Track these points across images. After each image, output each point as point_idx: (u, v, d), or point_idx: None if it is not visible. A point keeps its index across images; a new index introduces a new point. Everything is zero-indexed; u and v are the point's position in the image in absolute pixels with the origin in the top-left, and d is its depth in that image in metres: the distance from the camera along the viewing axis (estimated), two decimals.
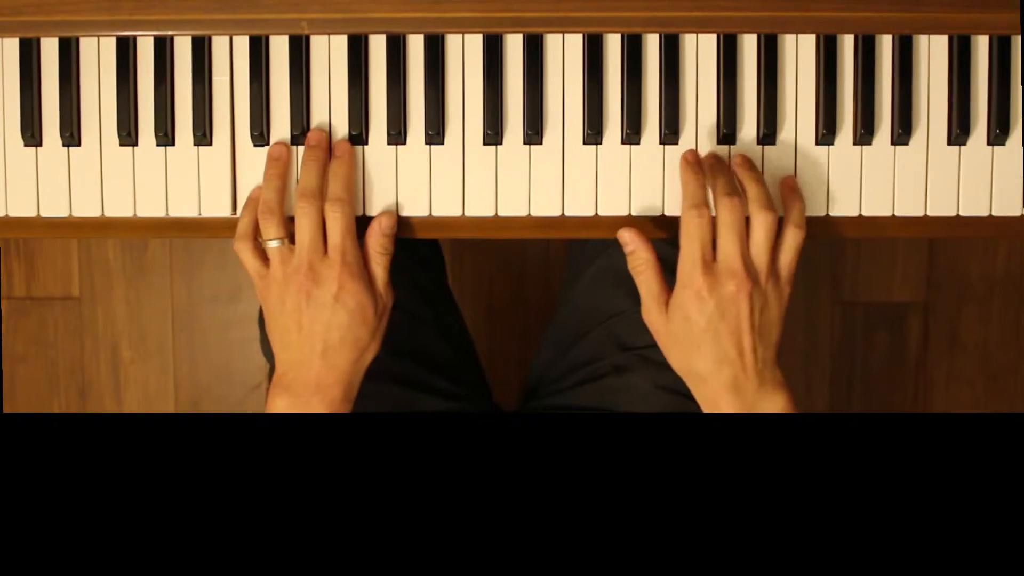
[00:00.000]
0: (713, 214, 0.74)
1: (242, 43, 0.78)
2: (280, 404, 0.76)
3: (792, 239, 0.75)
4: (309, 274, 0.74)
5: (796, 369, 1.53)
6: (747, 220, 0.74)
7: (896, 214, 0.80)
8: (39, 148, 0.79)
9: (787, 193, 0.78)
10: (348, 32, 0.78)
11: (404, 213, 0.79)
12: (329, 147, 0.78)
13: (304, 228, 0.75)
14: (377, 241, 0.77)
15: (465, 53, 0.79)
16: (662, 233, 0.79)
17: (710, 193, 0.76)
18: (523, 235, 0.80)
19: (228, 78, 0.79)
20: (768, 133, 0.79)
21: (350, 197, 0.76)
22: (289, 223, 0.76)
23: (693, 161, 0.77)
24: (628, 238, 0.77)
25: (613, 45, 0.79)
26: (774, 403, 0.74)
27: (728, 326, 0.73)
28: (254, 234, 0.77)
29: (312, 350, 0.75)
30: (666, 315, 0.75)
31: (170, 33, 0.78)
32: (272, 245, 0.75)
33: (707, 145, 0.79)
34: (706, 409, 0.77)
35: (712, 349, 0.74)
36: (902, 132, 0.79)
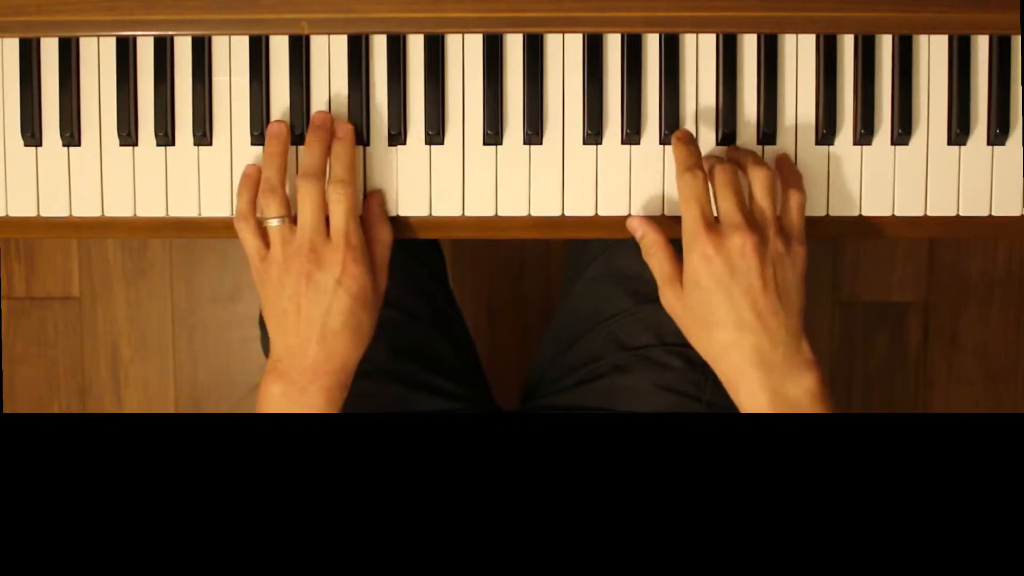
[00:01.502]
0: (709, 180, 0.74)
1: (242, 43, 0.78)
2: (275, 391, 0.75)
3: (794, 199, 0.75)
4: (311, 256, 0.73)
5: None
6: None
7: (896, 214, 0.80)
8: (39, 148, 0.79)
9: (782, 164, 0.78)
10: (348, 32, 0.78)
11: (404, 213, 0.79)
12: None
13: (307, 209, 0.74)
14: (377, 219, 0.77)
15: (465, 53, 0.79)
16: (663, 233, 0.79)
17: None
18: (523, 235, 0.80)
19: (228, 78, 0.79)
20: (768, 133, 0.79)
21: (353, 178, 0.75)
22: (290, 202, 0.75)
23: (685, 137, 0.77)
24: (636, 224, 0.77)
25: (613, 45, 0.79)
26: (804, 381, 0.71)
27: (740, 284, 0.71)
28: (254, 213, 0.76)
29: (311, 335, 0.74)
30: (681, 291, 0.74)
31: (170, 33, 0.78)
32: (273, 224, 0.74)
33: (707, 145, 0.79)
34: (730, 390, 0.73)
35: (728, 313, 0.71)
36: (902, 132, 0.79)
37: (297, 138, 0.78)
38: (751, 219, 0.72)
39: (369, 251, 0.76)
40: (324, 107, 0.79)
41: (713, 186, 0.74)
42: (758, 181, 0.73)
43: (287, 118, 0.78)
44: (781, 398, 0.71)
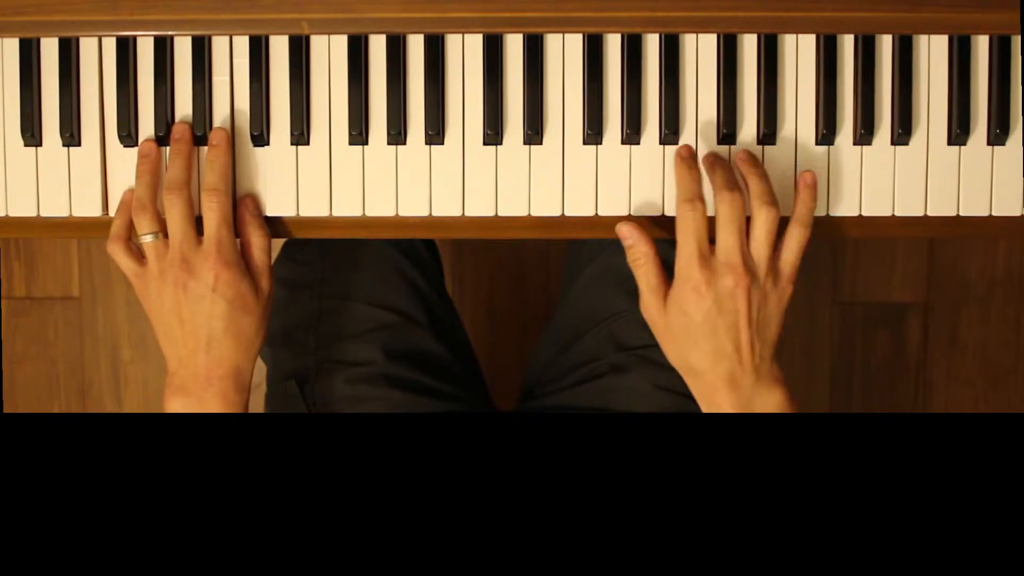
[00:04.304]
0: (709, 210, 0.74)
1: (242, 43, 0.78)
2: (176, 406, 0.76)
3: (797, 238, 0.75)
4: (183, 266, 0.74)
5: (796, 369, 1.53)
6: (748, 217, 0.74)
7: (896, 214, 0.80)
8: (39, 148, 0.79)
9: (801, 189, 0.76)
10: (348, 32, 0.78)
11: (404, 213, 0.79)
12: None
13: (174, 220, 0.75)
14: (250, 224, 0.77)
15: (465, 53, 0.79)
16: (662, 232, 0.79)
17: (708, 188, 0.76)
18: (523, 235, 0.80)
19: (228, 78, 0.79)
20: (768, 133, 0.79)
21: (226, 187, 0.76)
22: (163, 219, 0.76)
23: (687, 156, 0.77)
24: (627, 232, 0.76)
25: (613, 45, 0.78)
26: (771, 398, 0.74)
27: (725, 321, 0.73)
28: (127, 235, 0.77)
29: (197, 344, 0.75)
30: (664, 309, 0.75)
31: (170, 33, 0.78)
32: (147, 240, 0.75)
33: (707, 145, 0.79)
34: (702, 404, 0.76)
35: (709, 344, 0.73)
36: (902, 132, 0.79)
37: (296, 138, 0.78)
38: (747, 260, 0.73)
39: (246, 256, 0.76)
40: (324, 107, 0.79)
41: (716, 215, 0.74)
42: (762, 222, 0.73)
43: (287, 118, 0.78)
44: (748, 413, 0.74)
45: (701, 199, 0.74)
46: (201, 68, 0.78)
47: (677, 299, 0.74)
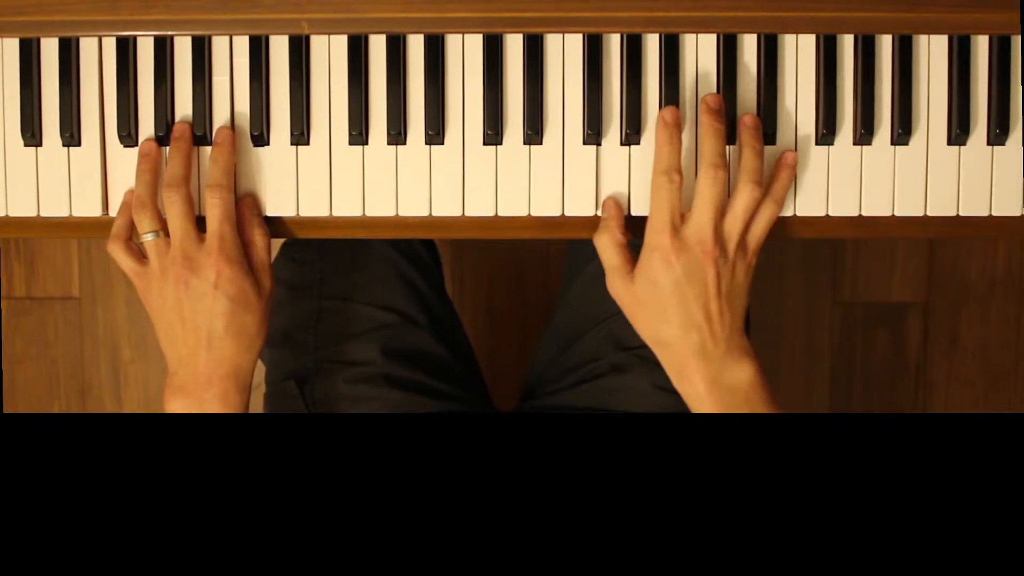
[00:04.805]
0: (688, 181, 0.75)
1: (242, 43, 0.78)
2: (176, 407, 0.75)
3: (767, 212, 0.75)
4: (185, 263, 0.74)
5: (796, 369, 1.53)
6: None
7: (896, 214, 0.80)
8: (39, 148, 0.79)
9: (780, 167, 0.77)
10: (348, 32, 0.78)
11: (404, 213, 0.79)
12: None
13: (175, 217, 0.74)
14: (251, 222, 0.77)
15: (465, 53, 0.79)
16: None
17: (684, 156, 0.77)
18: (523, 235, 0.80)
19: (228, 78, 0.79)
20: (768, 133, 0.79)
21: (229, 184, 0.76)
22: (164, 218, 0.76)
23: (671, 122, 0.76)
24: (610, 204, 0.77)
25: (613, 45, 0.79)
26: (742, 369, 0.75)
27: (694, 291, 0.73)
28: (128, 234, 0.77)
29: (198, 342, 0.74)
30: (632, 281, 0.75)
31: (170, 33, 0.78)
32: (148, 239, 0.75)
33: None
34: (672, 376, 0.76)
35: (679, 314, 0.74)
36: (902, 132, 0.79)
37: (296, 138, 0.78)
38: (719, 237, 0.73)
39: (247, 254, 0.76)
40: (324, 107, 0.79)
41: (697, 191, 0.74)
42: (743, 200, 0.74)
43: (287, 118, 0.78)
44: (718, 385, 0.74)
45: (679, 172, 0.74)
46: (201, 68, 0.78)
47: (646, 267, 0.74)
